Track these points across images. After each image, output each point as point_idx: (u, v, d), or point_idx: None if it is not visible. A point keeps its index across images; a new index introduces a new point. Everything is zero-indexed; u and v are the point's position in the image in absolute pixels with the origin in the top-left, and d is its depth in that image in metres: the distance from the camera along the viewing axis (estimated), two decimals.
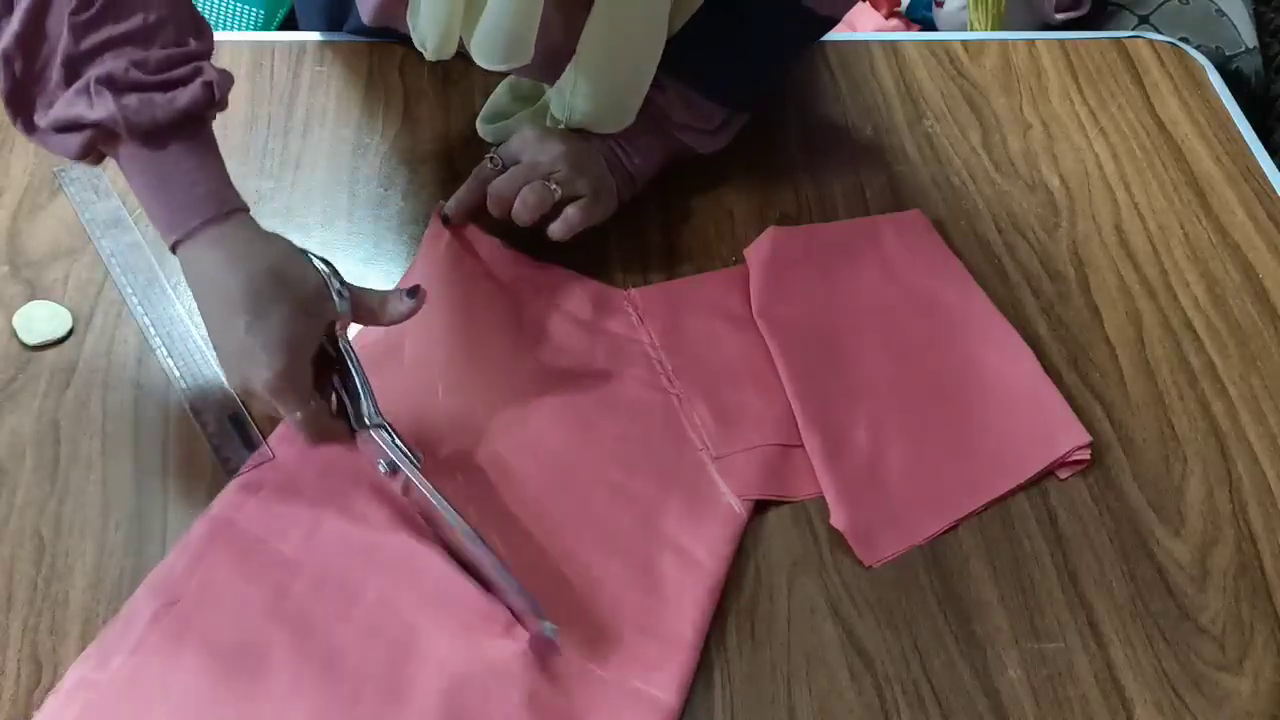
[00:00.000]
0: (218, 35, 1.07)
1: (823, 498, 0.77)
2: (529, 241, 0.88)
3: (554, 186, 0.85)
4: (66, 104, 0.68)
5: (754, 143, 0.99)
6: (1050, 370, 0.85)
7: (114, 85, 0.67)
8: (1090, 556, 0.76)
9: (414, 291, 0.74)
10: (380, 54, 1.04)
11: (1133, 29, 1.44)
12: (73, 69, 0.68)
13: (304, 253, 0.72)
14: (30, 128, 0.71)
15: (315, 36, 1.05)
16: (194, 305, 0.82)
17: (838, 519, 0.76)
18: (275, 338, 0.68)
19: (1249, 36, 1.46)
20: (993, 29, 1.47)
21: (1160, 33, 1.26)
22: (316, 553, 0.71)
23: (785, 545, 0.76)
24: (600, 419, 0.80)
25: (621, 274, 0.89)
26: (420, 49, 0.85)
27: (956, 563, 0.75)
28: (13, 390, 0.79)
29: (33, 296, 0.84)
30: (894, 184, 0.98)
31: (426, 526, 0.73)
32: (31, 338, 0.82)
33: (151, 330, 0.82)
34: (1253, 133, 1.05)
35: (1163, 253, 0.95)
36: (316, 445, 0.74)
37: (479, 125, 0.95)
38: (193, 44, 0.71)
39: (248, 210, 0.71)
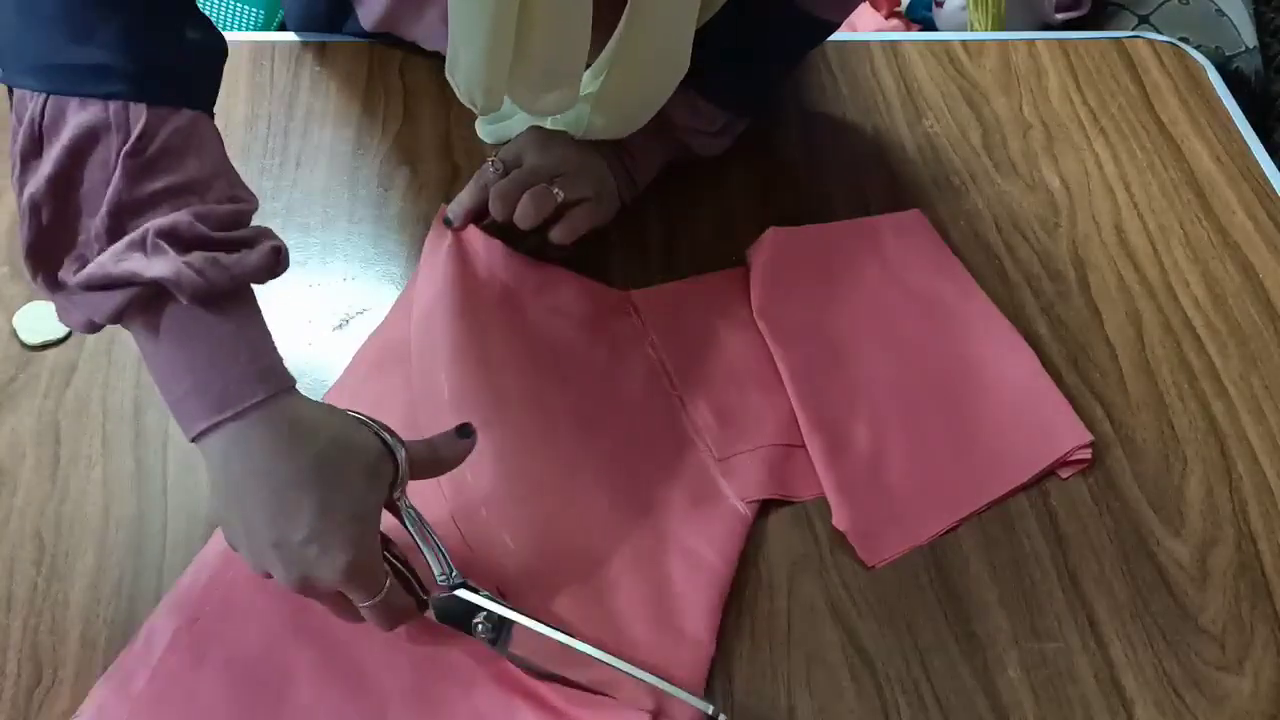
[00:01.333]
0: None
1: (824, 498, 0.77)
2: (530, 243, 0.88)
3: (556, 190, 0.84)
4: (114, 258, 0.59)
5: (754, 143, 0.99)
6: (1050, 370, 0.85)
7: (178, 240, 0.59)
8: (1090, 556, 0.76)
9: (466, 430, 0.68)
10: (380, 54, 1.04)
11: (1133, 29, 1.44)
12: (120, 220, 0.59)
13: (348, 413, 0.65)
14: (54, 286, 0.62)
15: (315, 36, 1.05)
16: None
17: (840, 519, 0.76)
18: (351, 513, 0.61)
19: (1249, 36, 1.46)
20: (993, 29, 1.46)
21: (1160, 33, 1.26)
22: None
23: (786, 545, 0.76)
24: (602, 421, 0.80)
25: (622, 274, 0.89)
26: (469, 106, 0.83)
27: (956, 563, 0.75)
28: (13, 390, 0.79)
29: (33, 296, 0.84)
30: (894, 184, 0.98)
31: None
32: (31, 338, 0.82)
33: None
34: (1253, 133, 1.05)
35: (1163, 253, 0.95)
36: (391, 631, 0.66)
37: (478, 126, 0.95)
38: (249, 201, 0.63)
39: (294, 384, 0.63)
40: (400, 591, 0.65)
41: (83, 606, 0.70)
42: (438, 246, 0.87)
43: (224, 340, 0.60)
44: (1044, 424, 0.82)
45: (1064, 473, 0.80)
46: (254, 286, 0.63)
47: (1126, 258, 0.94)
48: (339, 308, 0.86)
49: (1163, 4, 1.47)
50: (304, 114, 0.99)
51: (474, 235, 0.89)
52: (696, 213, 0.95)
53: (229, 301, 0.61)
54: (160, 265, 0.58)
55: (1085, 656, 0.72)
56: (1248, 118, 1.07)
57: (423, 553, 0.65)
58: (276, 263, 0.62)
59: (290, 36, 1.06)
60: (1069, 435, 0.81)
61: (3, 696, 0.66)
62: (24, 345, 0.81)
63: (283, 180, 0.94)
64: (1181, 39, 1.22)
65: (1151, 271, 0.93)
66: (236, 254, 0.60)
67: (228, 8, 1.55)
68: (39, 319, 0.82)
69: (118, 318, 0.61)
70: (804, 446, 0.80)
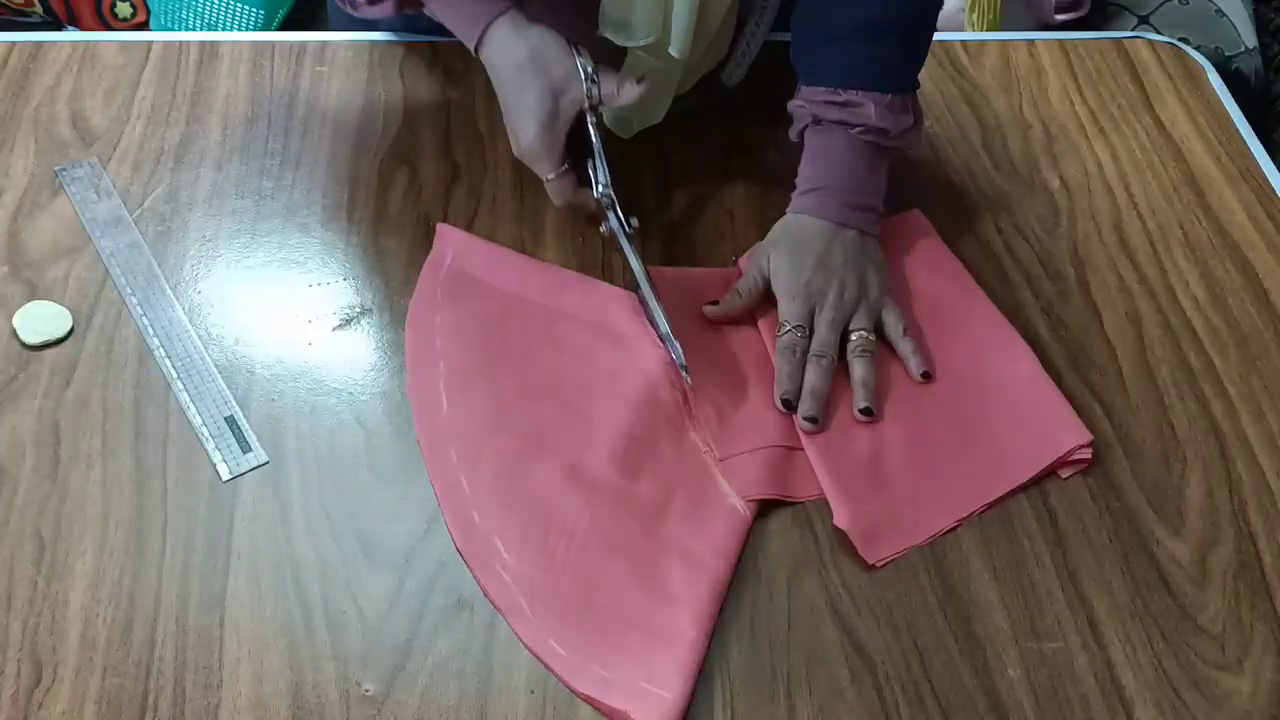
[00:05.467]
0: (218, 35, 1.08)
1: (824, 498, 0.77)
2: (528, 244, 0.88)
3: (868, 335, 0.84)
4: None
5: (754, 143, 0.99)
6: (1050, 370, 0.85)
7: None
8: (1090, 556, 0.76)
9: (641, 79, 0.86)
10: (380, 54, 1.04)
11: (1132, 29, 1.44)
12: None
13: (564, 40, 0.85)
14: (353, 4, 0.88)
15: (315, 36, 1.05)
16: (193, 305, 0.84)
17: (840, 519, 0.76)
18: (528, 111, 0.85)
19: (1249, 36, 1.47)
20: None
21: (1160, 33, 1.27)
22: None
23: (785, 545, 0.76)
24: (603, 420, 0.80)
25: (622, 275, 0.89)
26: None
27: (956, 563, 0.75)
28: (13, 390, 0.79)
29: (33, 296, 0.84)
30: (894, 184, 0.98)
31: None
32: (31, 338, 0.82)
33: (150, 330, 0.82)
34: (1252, 133, 1.05)
35: (1163, 253, 0.95)
36: (562, 206, 0.89)
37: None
38: None
39: (509, 5, 0.86)
40: (573, 185, 0.88)
41: (83, 606, 0.70)
42: (439, 261, 0.88)
43: None
44: (1044, 424, 0.82)
45: (1064, 473, 0.80)
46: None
47: (1126, 258, 0.94)
48: (339, 307, 0.86)
49: (1163, 4, 1.47)
50: (304, 114, 0.99)
51: (475, 243, 0.89)
52: (696, 213, 0.95)
53: None
54: None
55: (1085, 656, 0.72)
56: (1247, 118, 1.07)
57: (595, 165, 0.87)
58: None
59: (290, 36, 1.06)
60: (1069, 435, 0.81)
61: (3, 696, 0.66)
62: (24, 345, 0.81)
63: (283, 180, 0.94)
64: (1181, 39, 1.22)
65: (1151, 271, 0.93)
66: None
67: (227, 8, 1.55)
68: (39, 319, 0.82)
69: (398, 9, 0.87)
70: (804, 447, 0.80)
